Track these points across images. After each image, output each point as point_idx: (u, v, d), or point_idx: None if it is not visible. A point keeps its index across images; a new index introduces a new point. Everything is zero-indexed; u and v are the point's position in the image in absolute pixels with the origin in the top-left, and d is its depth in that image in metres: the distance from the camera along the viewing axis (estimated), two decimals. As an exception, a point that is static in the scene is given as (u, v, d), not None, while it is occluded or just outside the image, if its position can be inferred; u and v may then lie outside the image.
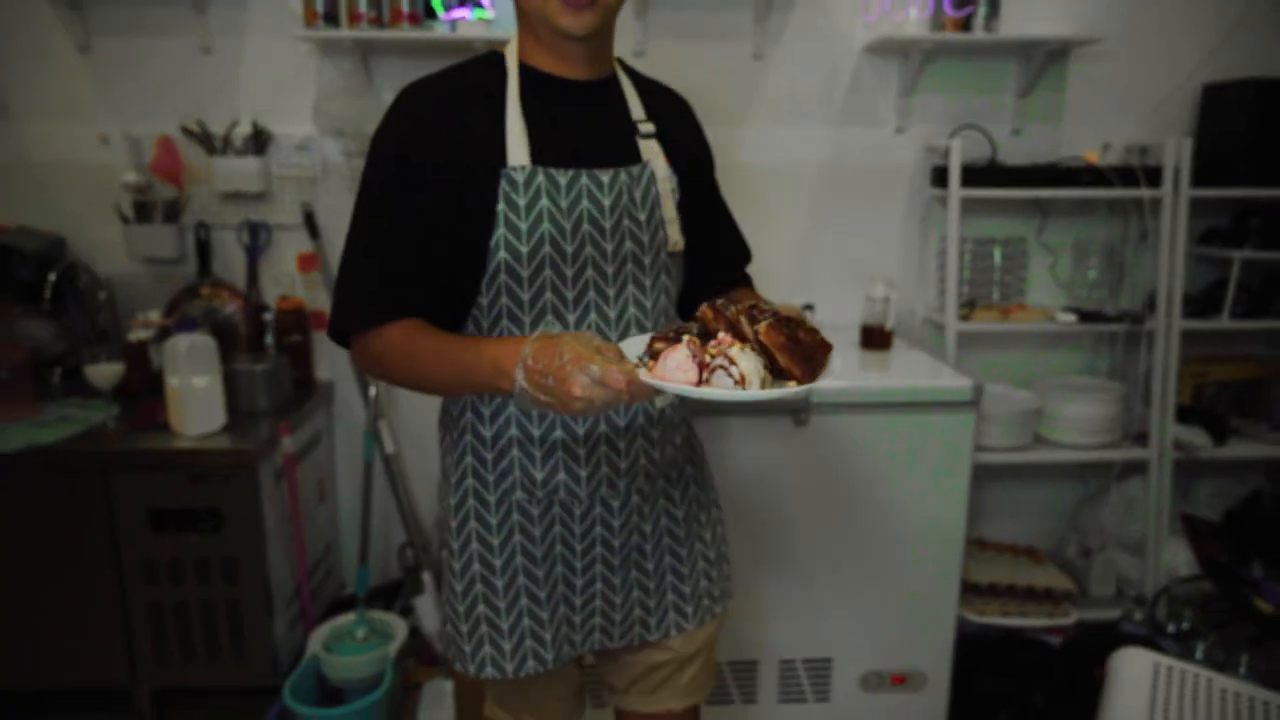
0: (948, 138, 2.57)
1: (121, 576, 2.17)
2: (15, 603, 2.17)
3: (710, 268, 1.33)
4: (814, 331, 0.93)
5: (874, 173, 2.63)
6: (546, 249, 1.11)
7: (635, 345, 1.00)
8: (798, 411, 2.09)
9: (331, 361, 2.72)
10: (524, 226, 1.10)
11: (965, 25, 2.51)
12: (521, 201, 1.10)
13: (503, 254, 1.11)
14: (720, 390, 0.87)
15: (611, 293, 1.15)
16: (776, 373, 0.92)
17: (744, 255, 1.41)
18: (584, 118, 1.17)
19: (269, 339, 2.57)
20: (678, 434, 1.29)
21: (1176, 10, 2.63)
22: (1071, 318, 2.61)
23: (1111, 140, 2.67)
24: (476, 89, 1.14)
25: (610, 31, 1.18)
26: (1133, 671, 1.48)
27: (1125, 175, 2.52)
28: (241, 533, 2.17)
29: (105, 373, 2.28)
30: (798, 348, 0.91)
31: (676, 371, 0.89)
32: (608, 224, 1.14)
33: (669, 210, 1.20)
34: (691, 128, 1.33)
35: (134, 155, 2.55)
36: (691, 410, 1.39)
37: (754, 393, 0.87)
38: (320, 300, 2.67)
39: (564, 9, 1.08)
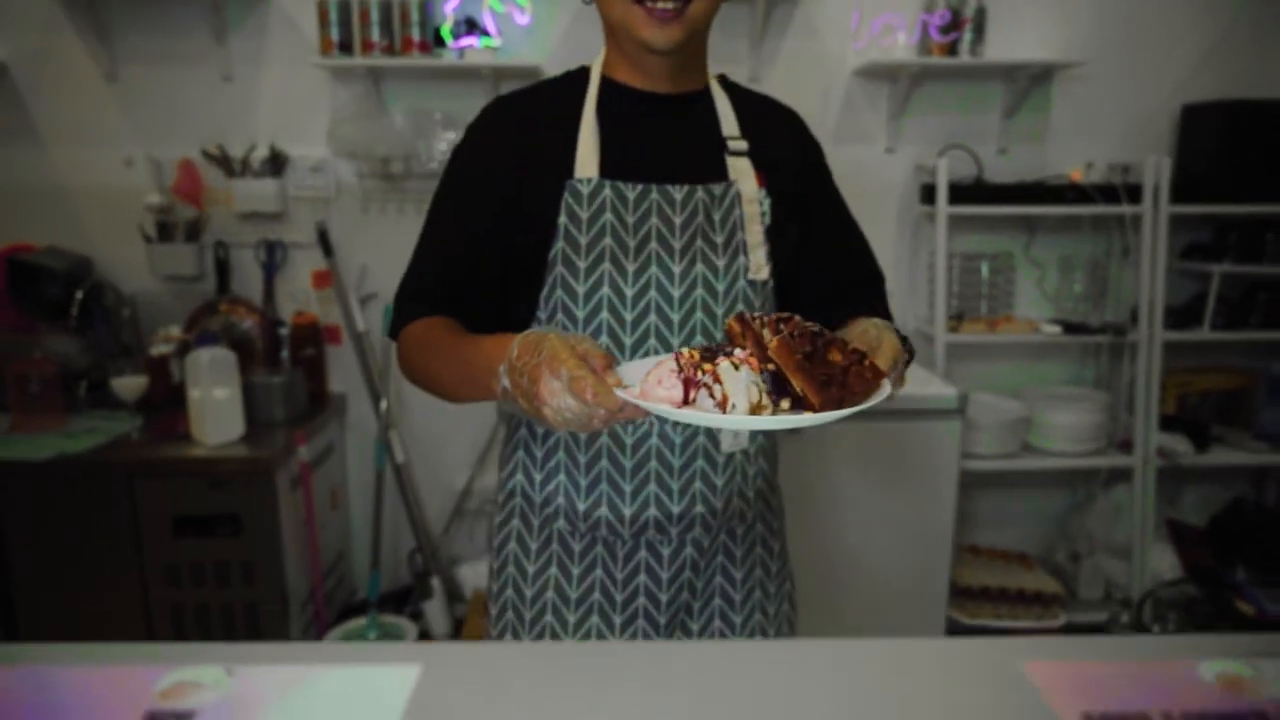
0: (936, 157, 2.68)
1: (145, 579, 2.28)
2: (44, 604, 2.28)
3: (826, 295, 1.16)
4: (857, 355, 0.79)
5: (866, 190, 2.75)
6: (606, 265, 1.04)
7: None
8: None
9: (344, 374, 2.83)
10: (584, 240, 1.05)
11: (951, 50, 2.63)
12: (584, 214, 1.05)
13: (560, 269, 1.06)
14: (692, 413, 0.74)
15: (676, 319, 1.05)
16: (795, 398, 0.77)
17: (867, 281, 1.21)
18: (664, 132, 1.10)
19: (285, 353, 2.68)
20: (750, 485, 1.15)
21: (1155, 34, 2.75)
22: (1056, 329, 2.71)
23: (1095, 159, 2.77)
24: (556, 103, 1.10)
25: (701, 45, 1.12)
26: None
27: (1107, 193, 2.63)
28: (259, 538, 2.27)
29: (130, 385, 2.40)
30: (819, 370, 0.76)
31: (658, 388, 0.77)
32: (678, 244, 1.06)
33: (753, 235, 1.09)
34: (799, 146, 1.19)
35: (157, 178, 2.68)
36: (774, 460, 1.24)
37: (725, 418, 0.74)
38: (333, 315, 2.79)
39: (648, 21, 1.02)
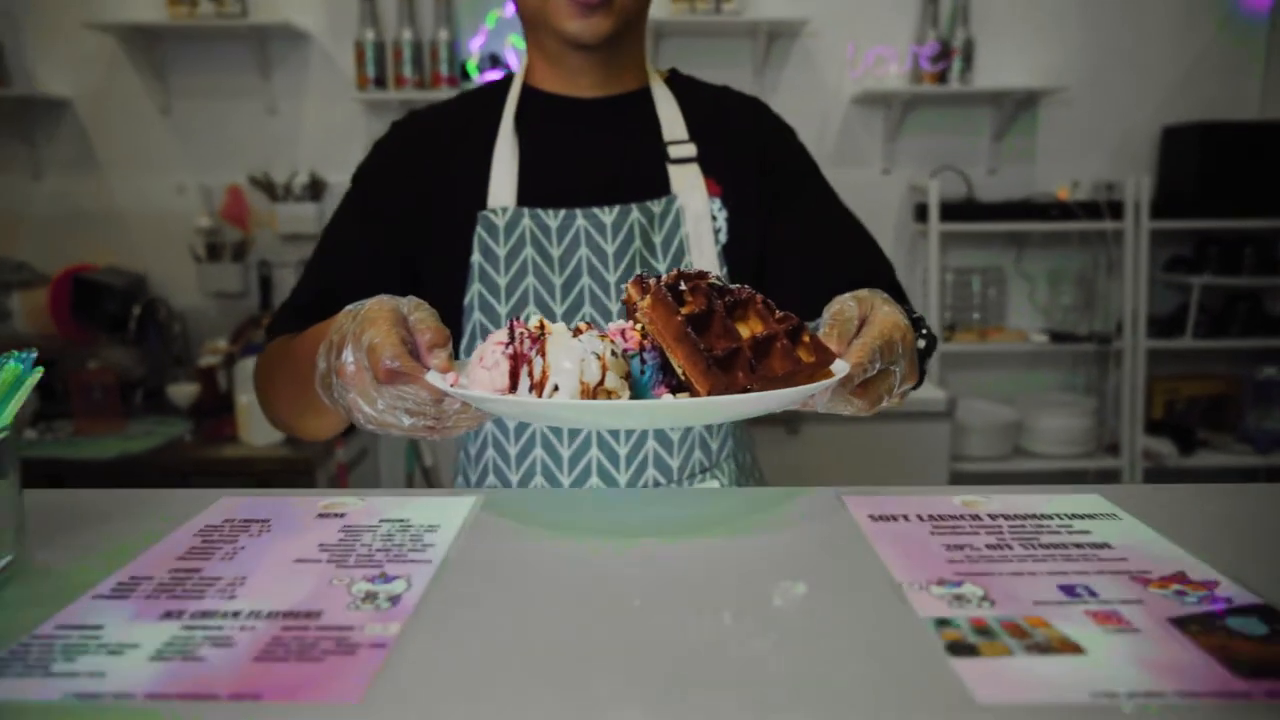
0: (928, 178, 2.87)
1: (197, 570, 2.49)
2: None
3: (821, 303, 0.80)
4: (789, 326, 0.57)
5: (863, 210, 2.90)
6: (530, 309, 0.90)
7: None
8: (790, 420, 2.37)
9: (376, 383, 3.04)
10: (503, 282, 0.90)
11: (942, 78, 2.82)
12: (500, 251, 0.90)
13: (477, 315, 0.91)
14: (507, 399, 0.54)
15: None
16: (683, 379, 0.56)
17: (869, 272, 0.92)
18: (593, 143, 0.95)
19: (322, 363, 2.90)
20: (718, 461, 0.96)
21: (1134, 60, 2.93)
22: (1045, 338, 2.88)
23: (1080, 178, 2.95)
24: (471, 119, 0.97)
25: (635, 39, 0.97)
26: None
27: (1092, 210, 2.80)
28: (301, 531, 2.48)
29: (185, 392, 2.63)
30: (718, 342, 0.55)
31: (478, 367, 0.58)
32: (612, 276, 0.91)
33: (703, 257, 0.93)
34: (761, 138, 1.00)
35: (206, 203, 2.92)
36: (746, 460, 1.03)
37: (539, 403, 0.53)
38: (367, 329, 3.01)
39: (569, 10, 0.88)
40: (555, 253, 0.91)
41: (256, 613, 0.39)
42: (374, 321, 0.60)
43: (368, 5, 2.77)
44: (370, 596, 0.41)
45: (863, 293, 0.68)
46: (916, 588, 0.42)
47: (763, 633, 0.36)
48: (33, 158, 2.92)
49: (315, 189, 2.91)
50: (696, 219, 0.94)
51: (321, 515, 0.57)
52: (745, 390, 0.52)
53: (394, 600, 0.40)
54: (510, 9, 2.82)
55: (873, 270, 0.96)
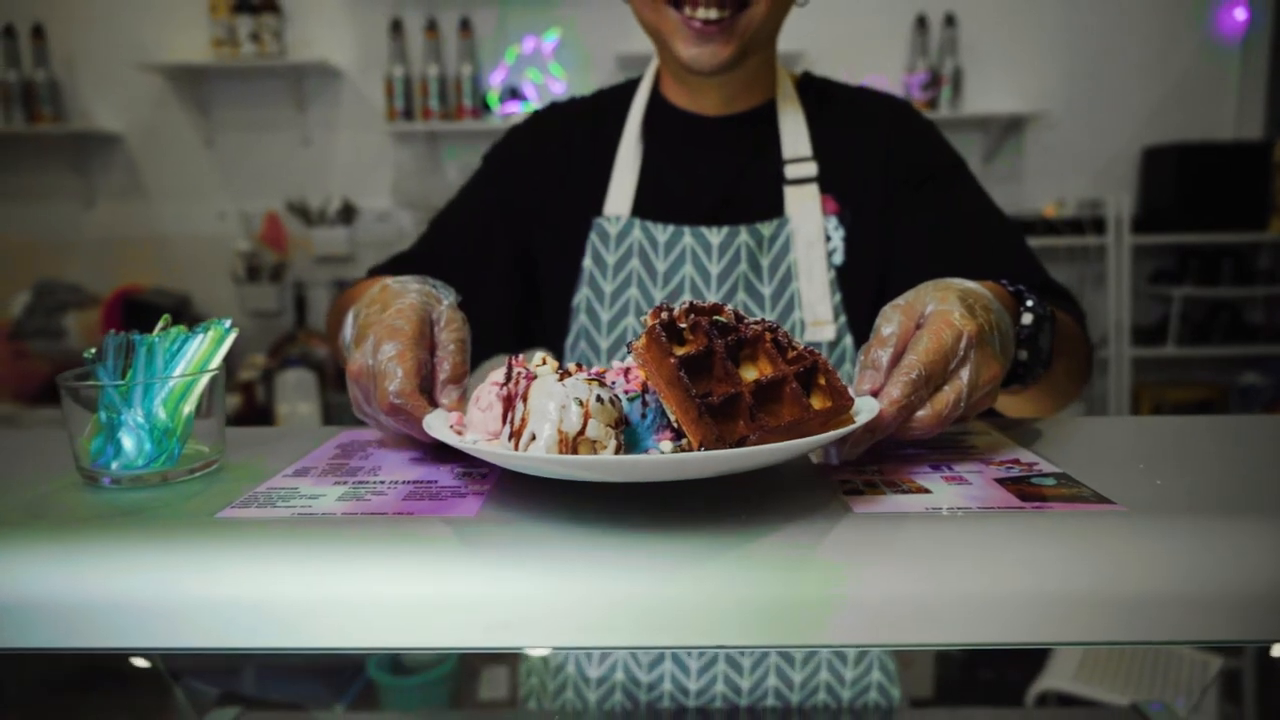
0: (921, 198, 3.09)
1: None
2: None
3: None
4: (803, 366, 0.53)
5: (861, 228, 3.16)
6: (630, 320, 0.93)
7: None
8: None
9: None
10: (609, 289, 0.94)
11: (933, 104, 3.05)
12: (610, 258, 0.94)
13: (583, 317, 0.95)
14: (480, 446, 0.53)
15: None
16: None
17: (1001, 271, 0.78)
18: (712, 162, 0.96)
19: (353, 376, 3.14)
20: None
21: (1115, 85, 3.16)
22: (1034, 348, 3.08)
23: (1066, 196, 3.17)
24: (602, 121, 0.99)
25: (763, 59, 0.94)
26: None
27: (1077, 226, 3.02)
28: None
29: (227, 403, 2.87)
30: (718, 386, 0.51)
31: (474, 407, 0.58)
32: (713, 297, 0.91)
33: (813, 284, 0.92)
34: (890, 142, 0.96)
35: (246, 228, 3.19)
36: None
37: (508, 455, 0.50)
38: (394, 344, 3.26)
39: (687, 35, 0.85)
40: (661, 267, 0.93)
41: (394, 481, 0.61)
42: (396, 334, 0.60)
43: (397, 44, 3.04)
44: (466, 473, 0.62)
45: (917, 292, 0.61)
46: (839, 473, 0.63)
47: (734, 491, 0.57)
48: (86, 188, 3.20)
49: (347, 214, 3.16)
50: (809, 243, 0.93)
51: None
52: (743, 441, 0.49)
53: (483, 476, 0.61)
54: (538, 44, 3.09)
55: (1002, 268, 0.80)
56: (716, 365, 0.51)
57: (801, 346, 0.54)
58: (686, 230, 0.93)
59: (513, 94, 3.09)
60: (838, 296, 0.93)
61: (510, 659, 2.41)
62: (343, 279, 3.22)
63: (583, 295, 0.95)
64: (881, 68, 3.13)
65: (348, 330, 0.68)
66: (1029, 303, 0.70)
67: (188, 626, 0.48)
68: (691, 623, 0.46)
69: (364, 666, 2.70)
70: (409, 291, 0.65)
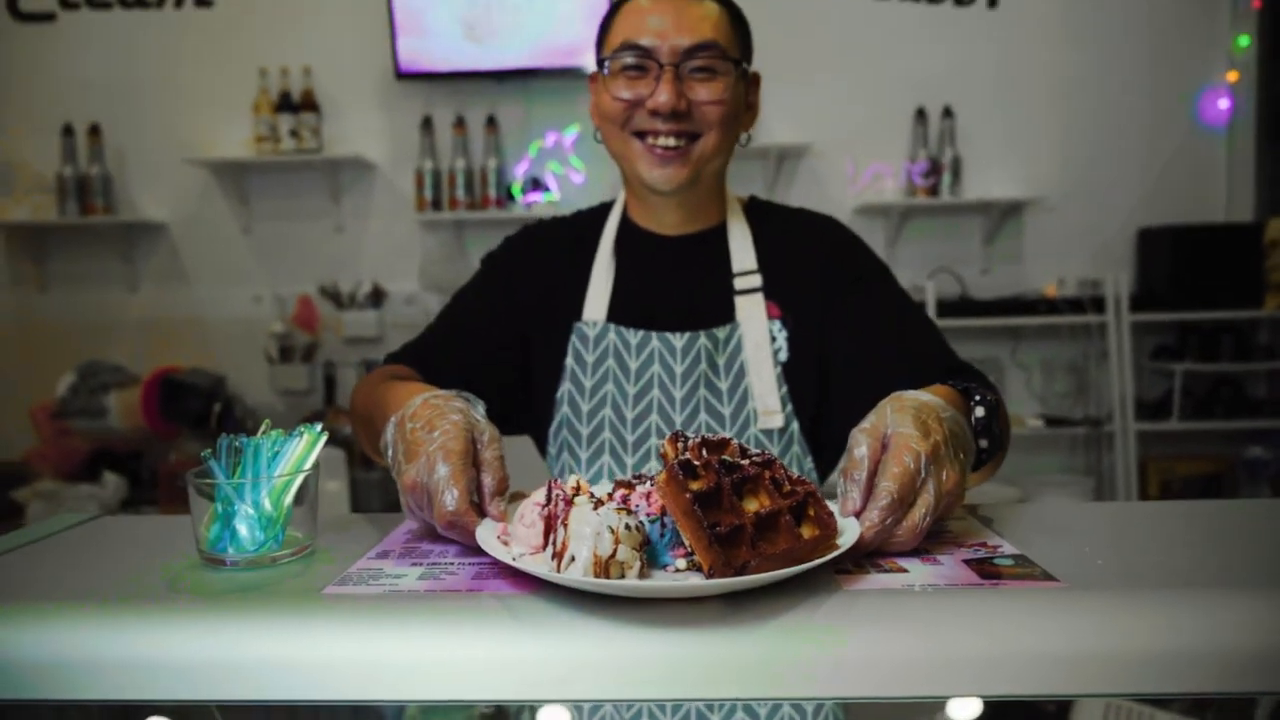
0: (926, 279, 3.25)
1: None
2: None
3: (880, 396, 0.79)
4: (795, 500, 0.63)
5: (868, 308, 3.31)
6: (607, 411, 1.08)
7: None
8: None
9: (426, 471, 3.41)
10: (589, 384, 1.10)
11: (934, 191, 3.24)
12: (589, 358, 1.10)
13: (565, 409, 1.10)
14: (525, 562, 0.64)
15: None
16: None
17: (920, 361, 0.97)
18: (672, 276, 1.12)
19: (379, 453, 3.28)
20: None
21: (1109, 170, 3.35)
22: (1040, 423, 3.19)
23: (1065, 276, 3.33)
24: (579, 239, 1.16)
25: (713, 183, 1.11)
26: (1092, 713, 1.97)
27: (1077, 305, 3.16)
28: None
29: (260, 479, 3.01)
30: (725, 517, 0.60)
31: (520, 524, 0.68)
32: (679, 392, 1.07)
33: (761, 379, 1.06)
34: (825, 256, 1.11)
35: (280, 310, 3.38)
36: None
37: (545, 573, 0.61)
38: (419, 421, 3.40)
39: (650, 159, 1.02)
40: (633, 365, 1.09)
41: (464, 562, 0.74)
42: (449, 456, 0.71)
43: (427, 139, 3.27)
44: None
45: (879, 413, 0.72)
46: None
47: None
48: (130, 273, 3.42)
49: (377, 298, 3.35)
50: (756, 344, 1.08)
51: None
52: (745, 566, 0.59)
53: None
54: (560, 138, 3.32)
55: (923, 359, 0.99)
56: (724, 499, 0.62)
57: (795, 477, 0.66)
58: (654, 335, 1.09)
59: (535, 184, 3.30)
60: (784, 389, 1.07)
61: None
62: (371, 360, 3.39)
63: (565, 389, 1.11)
64: (884, 156, 3.33)
65: (389, 436, 0.80)
66: (977, 398, 0.84)
67: (312, 683, 0.61)
68: (710, 677, 0.59)
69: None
70: (452, 409, 0.76)
